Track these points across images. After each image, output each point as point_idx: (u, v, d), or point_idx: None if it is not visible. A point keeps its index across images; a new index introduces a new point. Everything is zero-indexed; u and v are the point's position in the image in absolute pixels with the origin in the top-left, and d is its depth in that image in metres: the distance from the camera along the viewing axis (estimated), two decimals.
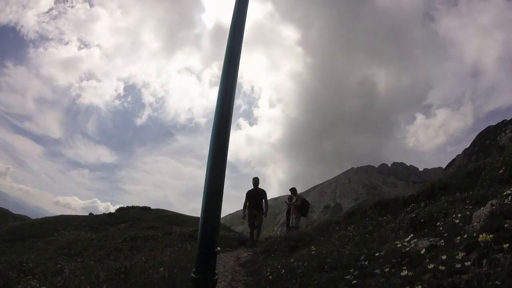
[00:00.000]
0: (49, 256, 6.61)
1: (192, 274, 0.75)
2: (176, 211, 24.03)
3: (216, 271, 0.78)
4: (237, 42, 1.04)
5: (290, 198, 10.20)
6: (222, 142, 0.88)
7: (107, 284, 2.46)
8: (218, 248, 0.76)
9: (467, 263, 1.48)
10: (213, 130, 0.91)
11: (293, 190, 10.14)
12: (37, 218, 19.24)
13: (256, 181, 8.90)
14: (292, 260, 3.98)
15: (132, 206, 24.37)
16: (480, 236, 1.41)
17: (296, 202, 9.76)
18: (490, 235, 1.38)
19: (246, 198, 8.68)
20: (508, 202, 2.25)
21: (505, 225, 1.72)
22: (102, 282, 2.46)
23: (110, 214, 21.35)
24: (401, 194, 7.21)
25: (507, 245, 1.35)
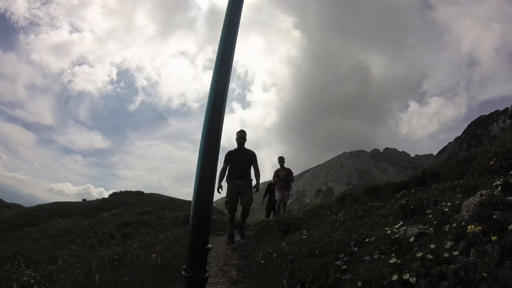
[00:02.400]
0: (43, 245, 6.61)
1: (183, 272, 0.73)
2: (170, 195, 24.18)
3: (207, 268, 0.76)
4: (233, 31, 0.99)
5: (278, 171, 8.50)
6: (215, 136, 0.84)
7: (100, 272, 2.46)
8: (210, 245, 0.74)
9: (455, 253, 1.50)
10: (204, 124, 0.86)
11: (281, 159, 8.53)
12: (31, 206, 19.15)
13: (241, 137, 5.67)
14: (283, 244, 4.04)
15: (126, 191, 24.39)
16: (469, 227, 1.42)
17: (288, 177, 8.41)
18: (479, 227, 1.39)
19: (225, 162, 5.57)
20: (497, 193, 2.28)
21: (494, 216, 1.74)
22: (95, 271, 2.46)
23: (103, 199, 21.37)
24: (393, 180, 7.30)
25: (495, 237, 1.36)
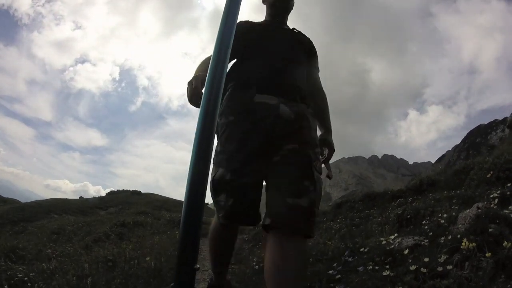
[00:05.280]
0: (38, 242, 6.57)
1: None
2: (167, 195, 24.10)
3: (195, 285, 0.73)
4: (229, 29, 0.96)
5: None
6: (208, 135, 0.82)
7: (93, 274, 2.45)
8: (198, 265, 0.72)
9: (449, 267, 1.50)
10: (198, 123, 0.84)
11: None
12: (27, 202, 19.05)
13: None
14: None
15: (123, 190, 24.33)
16: (463, 243, 1.42)
17: None
18: (473, 243, 1.39)
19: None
20: (494, 206, 2.28)
21: (490, 230, 1.74)
22: (88, 273, 2.44)
23: (100, 197, 21.31)
24: (390, 188, 7.31)
25: (490, 253, 1.35)
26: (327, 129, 1.44)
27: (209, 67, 0.88)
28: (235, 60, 1.38)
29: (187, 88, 1.13)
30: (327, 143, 1.41)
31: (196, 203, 0.75)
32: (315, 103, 1.41)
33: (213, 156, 1.14)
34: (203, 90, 0.85)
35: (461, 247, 1.39)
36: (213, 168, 1.24)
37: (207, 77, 0.87)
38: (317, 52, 1.54)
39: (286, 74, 1.29)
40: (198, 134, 0.81)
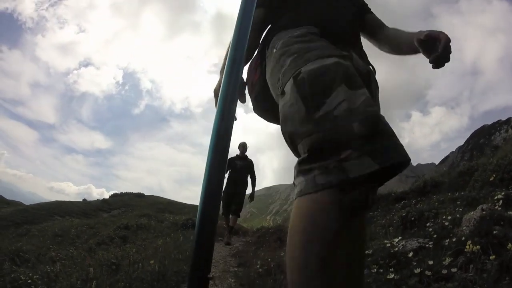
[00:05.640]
0: (42, 244, 6.61)
1: None
2: (170, 198, 24.15)
3: None
4: (243, 38, 0.92)
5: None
6: (225, 138, 0.79)
7: (97, 277, 2.46)
8: (211, 274, 0.68)
9: (454, 270, 1.49)
10: (213, 130, 0.81)
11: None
12: (31, 204, 19.16)
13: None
14: (282, 253, 4.02)
15: (126, 192, 24.42)
16: (467, 246, 1.41)
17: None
18: (477, 246, 1.38)
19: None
20: (498, 207, 2.27)
21: (494, 232, 1.73)
22: (93, 277, 2.45)
23: (104, 200, 21.39)
24: (393, 189, 7.28)
25: (494, 256, 1.35)
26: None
27: (224, 68, 0.85)
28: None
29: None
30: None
31: (211, 209, 0.73)
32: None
33: None
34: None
35: (465, 250, 1.38)
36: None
37: (223, 78, 0.84)
38: None
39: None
40: (214, 137, 0.78)
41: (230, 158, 5.73)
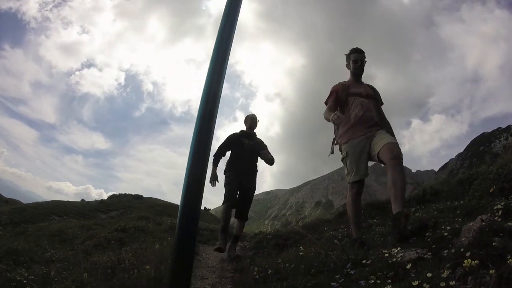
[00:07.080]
0: (38, 244, 6.57)
1: None
2: (168, 200, 24.11)
3: None
4: (227, 36, 0.95)
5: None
6: (205, 140, 0.80)
7: (91, 283, 2.43)
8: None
9: (452, 283, 1.47)
10: (195, 129, 0.82)
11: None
12: (29, 203, 19.11)
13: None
14: (279, 260, 3.99)
15: (125, 193, 24.39)
16: (465, 262, 1.40)
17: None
18: (476, 261, 1.37)
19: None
20: (498, 218, 2.25)
21: (493, 243, 1.71)
22: (87, 283, 2.43)
23: (102, 201, 21.35)
24: None
25: (493, 270, 1.33)
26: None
27: (207, 69, 0.89)
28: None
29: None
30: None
31: (192, 210, 0.72)
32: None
33: None
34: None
35: (464, 264, 1.36)
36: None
37: (205, 79, 0.87)
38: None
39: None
40: (195, 137, 0.79)
41: (233, 135, 4.31)
